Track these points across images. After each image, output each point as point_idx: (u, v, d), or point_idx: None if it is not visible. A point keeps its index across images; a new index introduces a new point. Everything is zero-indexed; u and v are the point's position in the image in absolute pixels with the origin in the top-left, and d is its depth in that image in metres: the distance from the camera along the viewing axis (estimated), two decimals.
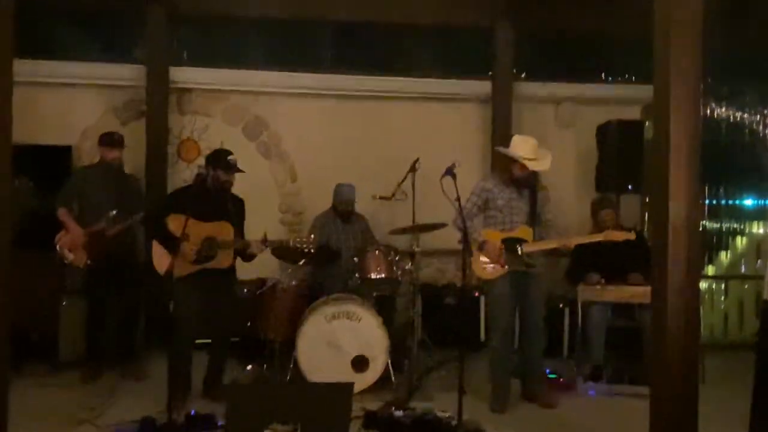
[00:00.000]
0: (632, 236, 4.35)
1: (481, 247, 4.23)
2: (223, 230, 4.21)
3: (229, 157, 4.26)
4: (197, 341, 4.43)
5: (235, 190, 4.40)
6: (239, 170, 4.32)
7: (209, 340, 4.47)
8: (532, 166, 4.18)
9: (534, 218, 4.28)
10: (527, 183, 4.29)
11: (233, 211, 4.27)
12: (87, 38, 6.07)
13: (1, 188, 2.83)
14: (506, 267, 4.22)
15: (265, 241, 4.23)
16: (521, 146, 4.24)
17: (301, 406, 3.07)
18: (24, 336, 4.97)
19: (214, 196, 4.23)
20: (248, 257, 4.33)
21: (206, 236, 4.15)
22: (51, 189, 4.92)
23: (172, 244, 3.99)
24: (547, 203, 4.39)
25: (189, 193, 4.20)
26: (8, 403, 2.88)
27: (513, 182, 4.28)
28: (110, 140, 4.88)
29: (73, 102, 5.89)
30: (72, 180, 4.92)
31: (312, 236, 4.47)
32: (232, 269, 4.36)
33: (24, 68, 5.41)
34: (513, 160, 4.24)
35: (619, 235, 4.31)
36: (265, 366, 4.83)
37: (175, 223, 4.08)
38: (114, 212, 4.67)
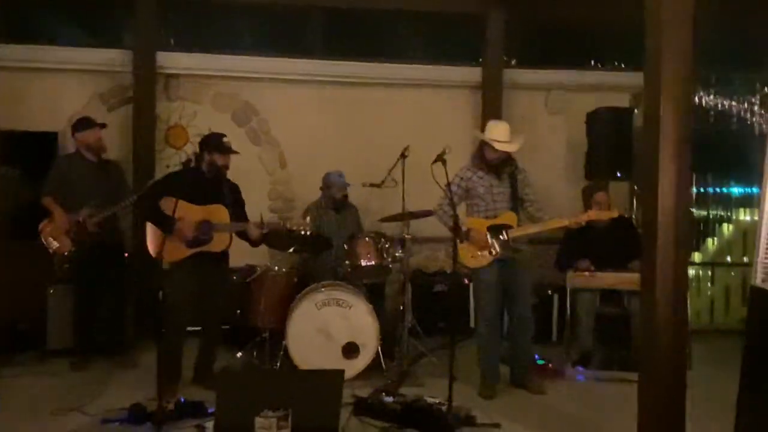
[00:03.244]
0: (615, 214, 4.45)
1: (467, 236, 4.24)
2: (218, 213, 4.20)
3: (224, 140, 4.27)
4: (188, 329, 4.39)
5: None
6: (234, 152, 4.32)
7: (199, 328, 4.44)
8: (500, 147, 4.21)
9: (517, 203, 4.30)
10: (503, 167, 4.30)
11: (230, 195, 4.26)
12: (73, 23, 5.98)
13: None
14: (494, 254, 4.23)
15: (261, 224, 4.23)
16: (493, 129, 4.31)
17: (292, 393, 3.06)
18: (12, 325, 4.95)
19: (209, 180, 4.23)
20: (255, 242, 4.32)
21: (201, 219, 4.14)
22: (37, 176, 4.86)
23: (167, 225, 3.97)
24: (528, 186, 4.38)
25: (183, 177, 4.19)
26: None
27: (489, 168, 4.29)
28: (88, 123, 4.81)
29: (59, 87, 5.80)
30: (56, 168, 4.82)
31: (308, 219, 4.45)
32: (225, 255, 4.35)
33: (9, 53, 5.35)
34: (485, 144, 4.28)
35: (602, 214, 4.40)
36: (255, 353, 4.84)
37: (167, 206, 4.05)
38: (97, 201, 4.63)
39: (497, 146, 4.20)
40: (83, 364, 4.70)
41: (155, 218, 4.15)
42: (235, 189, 4.40)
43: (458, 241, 3.94)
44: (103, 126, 4.88)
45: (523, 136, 4.33)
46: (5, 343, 4.73)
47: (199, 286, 4.21)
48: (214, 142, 4.27)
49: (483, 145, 4.31)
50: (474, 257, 4.26)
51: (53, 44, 5.86)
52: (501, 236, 4.22)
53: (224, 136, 4.33)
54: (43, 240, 4.60)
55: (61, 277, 5.05)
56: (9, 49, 5.39)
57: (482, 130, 5.99)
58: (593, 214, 4.36)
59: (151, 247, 4.21)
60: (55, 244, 4.61)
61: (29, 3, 5.77)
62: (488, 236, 4.22)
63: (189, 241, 4.14)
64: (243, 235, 4.29)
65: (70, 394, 4.10)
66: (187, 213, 4.05)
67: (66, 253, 4.62)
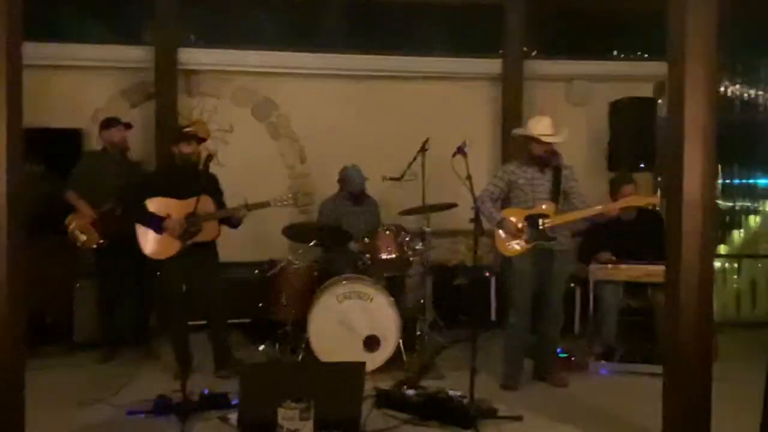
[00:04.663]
0: (656, 200, 4.38)
1: (500, 225, 4.23)
2: (203, 204, 4.26)
3: (184, 129, 4.46)
4: (198, 322, 4.50)
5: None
6: (201, 139, 4.45)
7: (205, 321, 4.53)
8: (549, 140, 4.19)
9: (558, 195, 4.27)
10: (548, 161, 4.27)
11: (208, 186, 4.33)
12: (95, 20, 6.04)
13: (13, 171, 2.83)
14: (529, 243, 4.22)
15: (247, 206, 4.36)
16: (537, 125, 4.27)
17: (315, 385, 3.09)
18: (39, 318, 5.04)
19: (187, 173, 4.31)
20: (234, 224, 4.46)
21: (188, 212, 4.21)
22: (62, 172, 4.93)
23: (156, 224, 4.20)
24: (572, 180, 4.34)
25: (160, 176, 4.31)
26: (25, 384, 2.91)
27: (534, 162, 4.28)
28: (114, 122, 4.90)
29: (82, 85, 5.88)
30: (82, 163, 4.92)
31: (290, 194, 4.57)
32: (213, 244, 4.45)
33: (33, 51, 5.40)
34: (531, 140, 4.25)
35: (641, 200, 4.34)
36: (277, 346, 4.87)
37: (154, 206, 4.24)
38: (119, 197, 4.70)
39: (545, 139, 4.18)
40: (109, 356, 4.79)
41: (143, 220, 4.28)
42: (213, 179, 4.50)
43: (479, 233, 3.93)
44: (128, 126, 4.96)
45: (565, 128, 4.30)
46: (33, 336, 4.79)
47: (193, 276, 4.29)
48: (176, 135, 4.44)
49: (528, 142, 4.28)
50: (509, 245, 4.26)
51: (76, 42, 5.92)
52: (536, 225, 4.21)
53: (185, 126, 4.51)
54: (69, 234, 4.68)
55: (87, 270, 5.13)
56: (32, 47, 5.41)
57: (504, 121, 6.06)
58: (633, 200, 4.33)
59: (145, 247, 4.30)
60: (83, 238, 4.68)
61: (51, 1, 5.84)
62: (523, 225, 4.21)
63: (180, 235, 4.22)
64: (225, 220, 4.44)
65: (96, 385, 4.16)
66: (173, 209, 4.21)
67: (95, 246, 4.70)
